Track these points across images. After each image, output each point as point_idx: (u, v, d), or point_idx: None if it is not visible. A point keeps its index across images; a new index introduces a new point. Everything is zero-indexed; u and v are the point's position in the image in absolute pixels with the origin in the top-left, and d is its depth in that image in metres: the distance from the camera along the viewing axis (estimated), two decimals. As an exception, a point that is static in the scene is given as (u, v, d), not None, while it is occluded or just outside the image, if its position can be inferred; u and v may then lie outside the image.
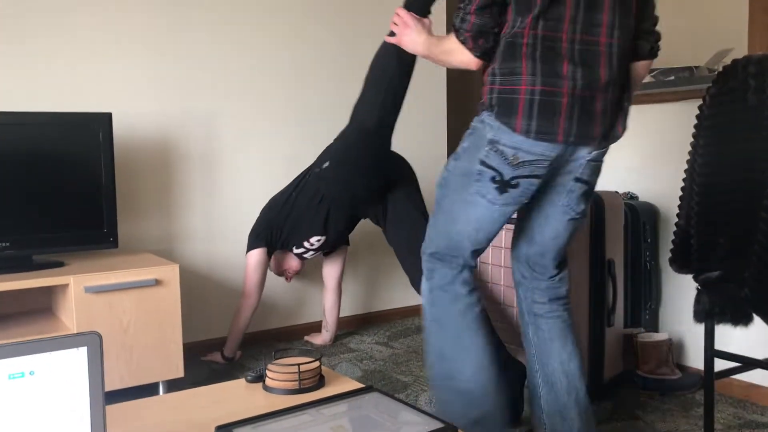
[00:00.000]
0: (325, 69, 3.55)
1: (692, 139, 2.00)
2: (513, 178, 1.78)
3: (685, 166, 2.02)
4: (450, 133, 3.98)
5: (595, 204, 2.55)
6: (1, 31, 2.76)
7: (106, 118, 2.67)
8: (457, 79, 4.33)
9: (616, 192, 2.74)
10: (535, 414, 2.03)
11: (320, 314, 3.46)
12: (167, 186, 3.16)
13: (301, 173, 3.07)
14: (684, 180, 2.03)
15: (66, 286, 2.45)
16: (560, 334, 1.98)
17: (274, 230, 3.02)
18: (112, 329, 2.49)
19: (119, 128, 3.00)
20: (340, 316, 3.48)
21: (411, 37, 1.96)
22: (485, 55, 1.81)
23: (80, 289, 2.43)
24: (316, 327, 3.53)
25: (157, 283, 2.57)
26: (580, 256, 2.50)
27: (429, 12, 2.19)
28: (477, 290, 1.96)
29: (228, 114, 3.30)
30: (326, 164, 2.90)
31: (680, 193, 2.04)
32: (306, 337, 3.48)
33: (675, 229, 2.05)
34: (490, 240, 1.92)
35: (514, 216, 2.00)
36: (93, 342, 1.02)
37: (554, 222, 1.92)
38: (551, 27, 1.72)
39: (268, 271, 3.14)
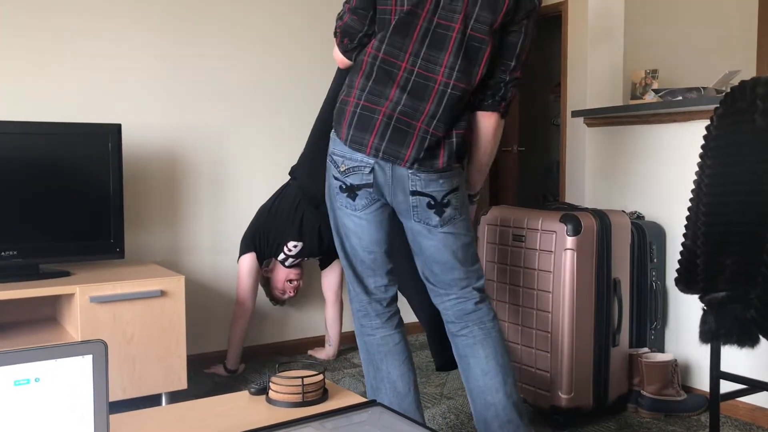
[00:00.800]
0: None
1: (699, 160, 2.00)
2: (351, 185, 1.92)
3: (692, 186, 2.02)
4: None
5: (601, 223, 2.54)
6: (12, 43, 2.79)
7: (115, 129, 2.69)
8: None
9: (623, 211, 2.74)
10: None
11: (323, 328, 3.45)
12: (174, 198, 3.17)
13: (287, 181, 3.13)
14: (691, 200, 2.03)
15: (72, 295, 2.46)
16: (473, 351, 2.01)
17: (261, 237, 3.06)
18: (116, 339, 2.49)
19: (128, 139, 3.02)
20: (343, 331, 3.47)
21: None
22: (347, 54, 1.98)
23: (86, 298, 2.44)
24: (319, 341, 3.53)
25: (163, 294, 2.57)
26: (585, 275, 2.50)
27: None
28: (394, 318, 2.07)
29: (235, 127, 3.32)
30: (301, 155, 2.99)
31: (687, 213, 2.04)
32: (309, 351, 3.47)
33: (681, 249, 2.05)
34: (381, 248, 2.00)
35: None
36: (98, 350, 1.02)
37: (422, 240, 1.98)
38: (393, 54, 1.88)
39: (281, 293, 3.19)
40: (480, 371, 1.99)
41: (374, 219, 1.97)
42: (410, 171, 1.89)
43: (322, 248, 3.16)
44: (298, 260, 3.15)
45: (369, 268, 2.02)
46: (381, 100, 1.86)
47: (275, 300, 3.27)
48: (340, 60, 2.03)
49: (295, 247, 3.07)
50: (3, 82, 2.78)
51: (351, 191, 1.93)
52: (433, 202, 1.94)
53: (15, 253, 2.53)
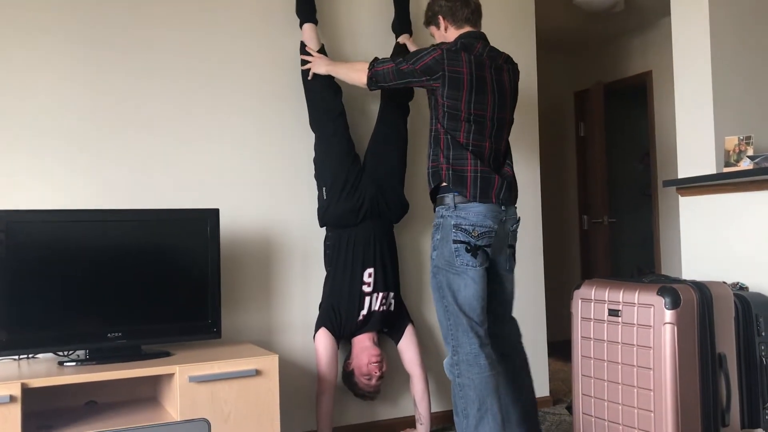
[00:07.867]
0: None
1: (804, 227, 1.91)
2: (477, 245, 2.58)
3: (799, 255, 1.93)
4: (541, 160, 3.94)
5: (701, 295, 2.44)
6: (121, 135, 3.00)
7: (213, 214, 2.82)
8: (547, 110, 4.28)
9: (724, 282, 2.62)
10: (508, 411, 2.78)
11: (412, 408, 3.39)
12: (268, 277, 3.26)
13: None
14: (798, 269, 1.93)
15: (172, 375, 2.54)
16: (522, 366, 2.85)
17: (332, 312, 3.13)
18: (213, 418, 2.53)
19: (223, 222, 3.15)
20: (435, 411, 3.40)
21: (317, 65, 3.13)
22: (369, 87, 2.88)
23: (185, 378, 2.51)
24: (410, 422, 3.47)
25: (258, 373, 2.62)
26: (687, 350, 2.39)
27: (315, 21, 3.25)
28: (496, 363, 2.62)
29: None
30: (323, 204, 3.20)
31: (795, 283, 1.94)
32: (401, 433, 3.43)
33: (792, 321, 1.94)
34: (486, 297, 2.62)
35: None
36: (201, 429, 1.05)
37: (506, 283, 2.80)
38: (479, 140, 2.65)
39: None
40: (528, 379, 2.84)
41: (484, 272, 2.61)
42: (512, 228, 2.73)
43: (385, 264, 3.19)
44: (380, 295, 3.16)
45: (479, 315, 2.59)
46: (492, 173, 2.64)
47: (364, 394, 3.23)
48: (360, 83, 2.87)
49: (370, 276, 3.12)
50: (111, 174, 2.98)
51: (475, 250, 2.57)
52: (513, 252, 2.80)
53: (120, 334, 2.65)
